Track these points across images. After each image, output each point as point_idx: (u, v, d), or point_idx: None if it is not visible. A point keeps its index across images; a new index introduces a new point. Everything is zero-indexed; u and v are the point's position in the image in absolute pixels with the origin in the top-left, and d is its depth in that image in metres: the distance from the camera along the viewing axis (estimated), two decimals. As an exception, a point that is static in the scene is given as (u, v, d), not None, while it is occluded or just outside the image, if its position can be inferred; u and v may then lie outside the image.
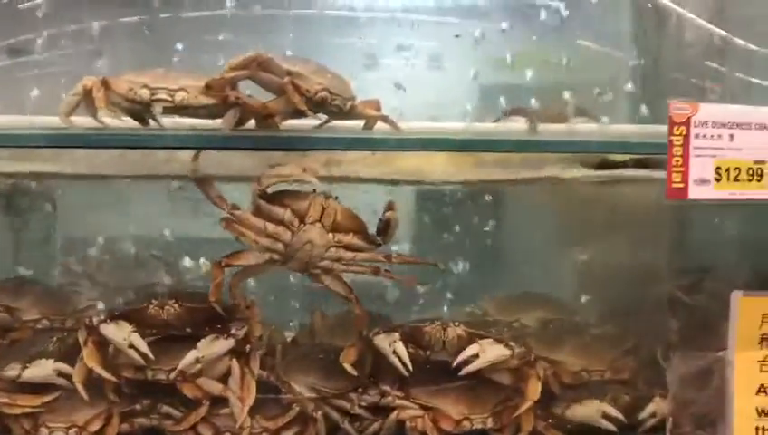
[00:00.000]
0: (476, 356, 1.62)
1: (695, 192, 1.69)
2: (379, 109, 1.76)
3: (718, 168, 1.69)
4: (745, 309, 1.22)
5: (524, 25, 2.21)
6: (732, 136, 1.71)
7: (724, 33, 2.09)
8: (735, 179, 1.71)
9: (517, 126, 2.01)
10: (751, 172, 1.72)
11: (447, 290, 2.19)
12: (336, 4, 2.35)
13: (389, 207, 1.62)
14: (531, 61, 2.20)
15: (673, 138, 1.66)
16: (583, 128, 1.93)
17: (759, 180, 1.73)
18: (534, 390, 1.65)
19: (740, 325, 1.22)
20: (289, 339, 1.98)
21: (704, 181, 1.70)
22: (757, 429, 1.22)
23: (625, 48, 2.29)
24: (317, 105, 1.65)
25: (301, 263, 1.69)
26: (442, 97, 2.10)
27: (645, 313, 1.98)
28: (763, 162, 1.73)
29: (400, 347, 1.63)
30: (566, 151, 1.73)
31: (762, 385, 1.23)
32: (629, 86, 2.26)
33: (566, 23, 2.22)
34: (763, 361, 1.23)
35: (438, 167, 1.66)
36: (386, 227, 1.64)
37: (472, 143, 1.58)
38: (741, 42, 2.04)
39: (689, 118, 1.67)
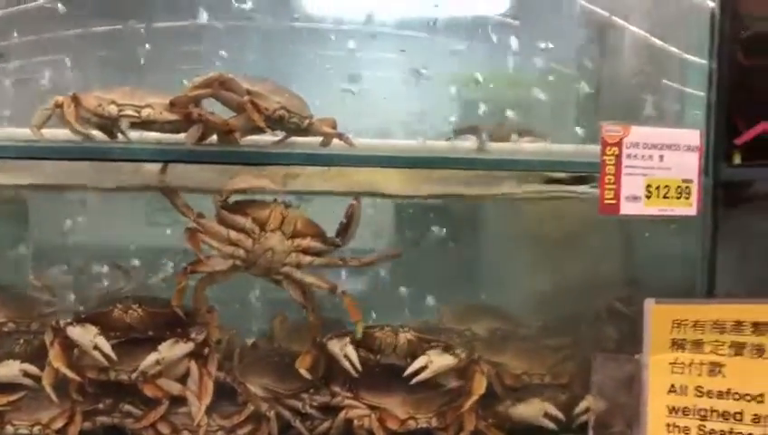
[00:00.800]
0: (425, 367, 1.74)
1: (626, 208, 1.82)
2: (335, 126, 1.87)
3: (649, 185, 1.82)
4: (658, 316, 1.34)
5: (477, 45, 2.32)
6: (662, 156, 1.84)
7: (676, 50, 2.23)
8: (665, 196, 1.84)
9: (468, 144, 2.13)
10: (679, 190, 1.85)
11: (404, 298, 2.29)
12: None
13: (354, 199, 1.75)
14: (483, 79, 2.32)
15: (605, 158, 1.79)
16: (528, 147, 2.05)
17: (687, 198, 1.87)
18: (480, 385, 1.75)
19: (653, 331, 1.34)
20: (249, 343, 2.07)
21: (635, 198, 1.83)
22: (668, 425, 1.33)
23: (575, 67, 2.41)
24: (275, 122, 1.76)
25: (263, 268, 1.80)
26: (394, 114, 2.21)
27: (586, 322, 2.10)
28: (690, 181, 1.87)
29: (350, 350, 1.73)
30: (510, 169, 1.86)
31: (672, 385, 1.34)
32: (578, 104, 2.39)
33: (518, 43, 2.34)
34: (674, 362, 1.34)
35: (392, 182, 1.78)
36: (348, 222, 1.76)
37: (421, 161, 1.70)
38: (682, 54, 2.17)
39: (621, 139, 1.80)
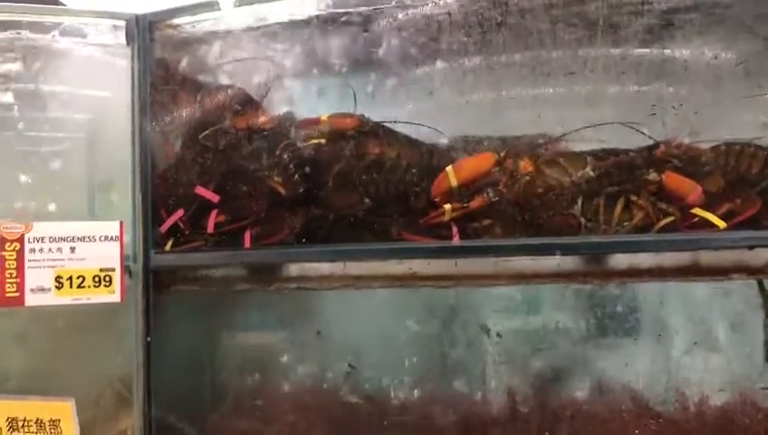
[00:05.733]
0: None
1: (32, 299, 1.91)
2: None
3: (59, 277, 1.93)
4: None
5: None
6: (73, 248, 1.96)
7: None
8: (80, 286, 1.96)
9: None
10: (97, 279, 1.97)
11: None
12: None
13: None
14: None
15: (5, 253, 1.88)
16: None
17: (108, 285, 2.00)
18: None
19: None
20: None
21: (42, 289, 1.93)
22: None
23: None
24: None
25: None
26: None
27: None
28: (111, 269, 2.00)
29: None
30: None
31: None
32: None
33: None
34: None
35: None
36: None
37: None
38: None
39: (23, 235, 1.92)
